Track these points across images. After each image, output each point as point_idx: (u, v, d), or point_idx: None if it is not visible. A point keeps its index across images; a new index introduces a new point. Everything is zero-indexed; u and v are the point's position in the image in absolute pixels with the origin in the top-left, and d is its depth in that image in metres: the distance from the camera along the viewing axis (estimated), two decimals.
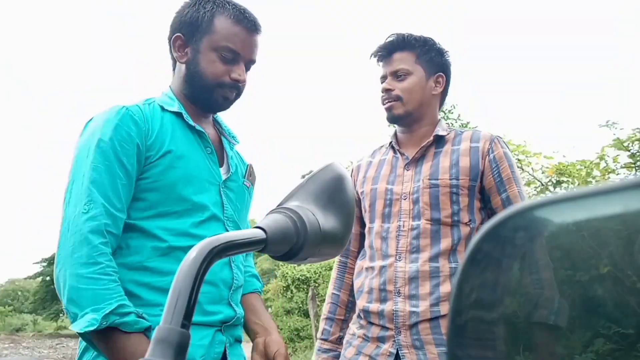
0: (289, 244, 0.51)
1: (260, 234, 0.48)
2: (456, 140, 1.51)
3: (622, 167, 4.86)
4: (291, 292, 12.73)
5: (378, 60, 1.59)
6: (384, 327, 1.44)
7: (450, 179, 1.43)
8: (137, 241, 1.10)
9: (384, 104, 1.54)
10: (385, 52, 1.55)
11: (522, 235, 0.33)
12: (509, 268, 0.32)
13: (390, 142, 1.60)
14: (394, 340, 1.41)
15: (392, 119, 1.55)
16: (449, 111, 10.56)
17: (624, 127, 4.85)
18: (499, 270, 0.33)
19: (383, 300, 1.44)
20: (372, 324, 1.47)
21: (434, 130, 1.54)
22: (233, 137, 1.36)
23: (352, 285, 1.60)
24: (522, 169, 5.67)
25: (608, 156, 4.92)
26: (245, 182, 1.30)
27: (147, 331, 1.01)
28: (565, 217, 0.32)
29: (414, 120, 1.54)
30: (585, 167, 5.07)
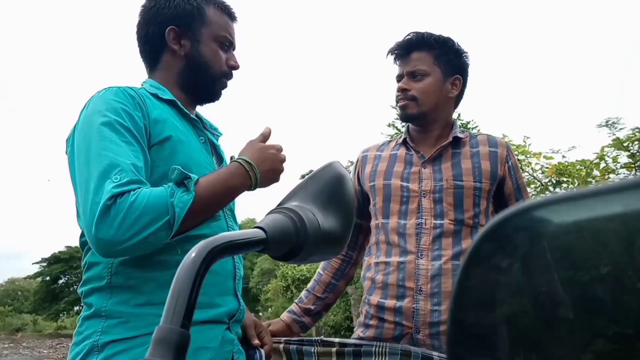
0: (289, 244, 0.51)
1: (260, 234, 0.48)
2: (473, 143, 1.52)
3: (621, 167, 4.86)
4: (291, 292, 12.73)
5: (395, 59, 1.56)
6: (399, 325, 1.41)
7: (474, 182, 1.45)
8: None
9: (398, 103, 1.54)
10: (403, 51, 1.53)
11: (522, 235, 0.33)
12: (509, 268, 0.32)
13: (404, 138, 1.58)
14: (411, 338, 1.39)
15: (406, 118, 1.54)
16: None
17: (624, 127, 4.85)
18: (499, 270, 0.33)
19: (400, 296, 1.41)
20: (384, 321, 1.43)
21: (449, 131, 1.54)
22: (215, 129, 1.35)
23: (337, 269, 1.62)
24: (522, 169, 5.67)
25: (608, 156, 4.92)
26: None
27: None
28: (565, 217, 0.32)
29: (429, 121, 1.53)
30: (585, 167, 5.07)
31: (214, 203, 1.07)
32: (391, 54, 1.57)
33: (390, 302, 1.43)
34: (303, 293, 1.64)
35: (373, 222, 1.54)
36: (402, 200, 1.49)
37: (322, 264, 1.65)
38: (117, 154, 0.99)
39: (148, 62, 1.26)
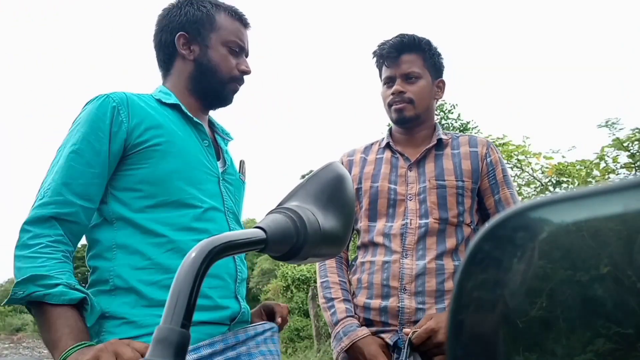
0: (289, 244, 0.51)
1: (260, 234, 0.48)
2: (454, 144, 1.56)
3: (621, 167, 4.86)
4: (291, 292, 12.72)
5: (384, 61, 1.56)
6: (385, 324, 1.42)
7: (456, 181, 1.48)
8: (134, 238, 1.08)
9: (392, 105, 1.53)
10: (395, 53, 1.53)
11: (522, 235, 0.33)
12: (509, 268, 0.32)
13: (388, 142, 1.59)
14: (396, 333, 1.40)
15: (402, 121, 1.54)
16: (449, 111, 10.57)
17: (624, 127, 4.85)
18: (499, 270, 0.33)
19: (385, 296, 1.42)
20: (371, 321, 1.45)
21: (432, 133, 1.58)
22: (227, 134, 1.38)
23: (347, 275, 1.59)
24: (522, 169, 5.67)
25: (608, 156, 4.92)
26: (240, 177, 1.33)
27: (83, 304, 0.97)
28: (565, 217, 0.32)
29: (418, 123, 1.56)
30: (585, 167, 5.07)
31: None
32: (379, 56, 1.57)
33: (375, 302, 1.44)
34: (344, 303, 1.49)
35: (359, 225, 1.56)
36: (389, 203, 1.50)
37: (337, 272, 1.55)
38: (63, 178, 1.05)
39: (162, 69, 1.30)
